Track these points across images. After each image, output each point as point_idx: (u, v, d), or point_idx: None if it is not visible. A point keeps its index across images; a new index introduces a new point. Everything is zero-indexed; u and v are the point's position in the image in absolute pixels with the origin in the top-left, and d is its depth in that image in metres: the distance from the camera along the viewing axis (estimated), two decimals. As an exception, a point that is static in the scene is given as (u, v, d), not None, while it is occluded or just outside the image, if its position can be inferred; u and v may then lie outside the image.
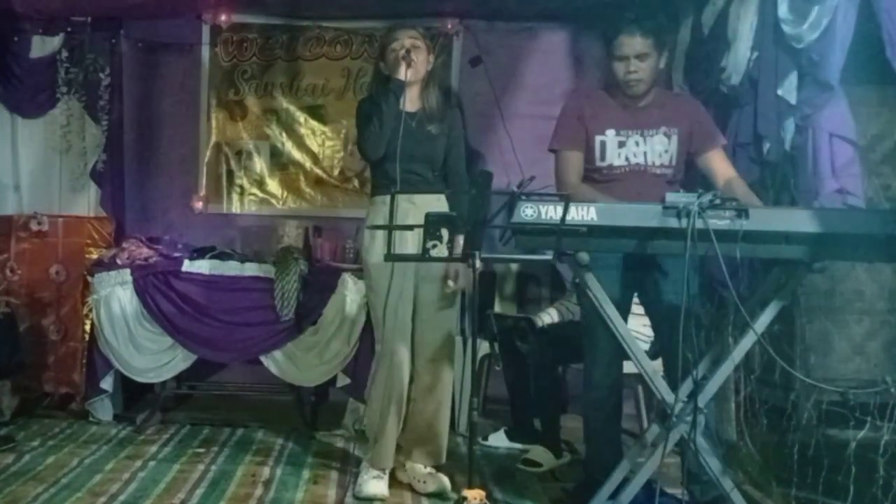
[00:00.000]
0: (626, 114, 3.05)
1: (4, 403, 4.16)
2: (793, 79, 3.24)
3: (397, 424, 3.31)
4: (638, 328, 3.46)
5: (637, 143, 3.02)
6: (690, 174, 3.16)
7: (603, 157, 3.03)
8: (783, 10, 3.21)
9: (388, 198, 3.18)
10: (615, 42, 2.97)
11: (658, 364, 3.21)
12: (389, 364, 3.25)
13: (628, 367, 2.99)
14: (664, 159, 3.03)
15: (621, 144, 3.02)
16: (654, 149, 3.02)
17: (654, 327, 3.21)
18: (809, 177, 3.17)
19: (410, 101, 3.25)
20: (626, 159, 3.02)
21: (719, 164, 3.04)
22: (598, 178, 3.05)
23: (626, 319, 3.07)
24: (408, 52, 3.19)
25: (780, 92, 3.27)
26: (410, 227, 2.92)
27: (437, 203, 3.22)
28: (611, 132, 3.02)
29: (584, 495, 2.92)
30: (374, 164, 3.33)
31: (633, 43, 2.94)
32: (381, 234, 3.19)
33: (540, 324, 3.99)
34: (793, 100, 3.24)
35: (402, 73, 3.19)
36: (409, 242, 3.06)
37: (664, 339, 3.02)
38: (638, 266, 2.99)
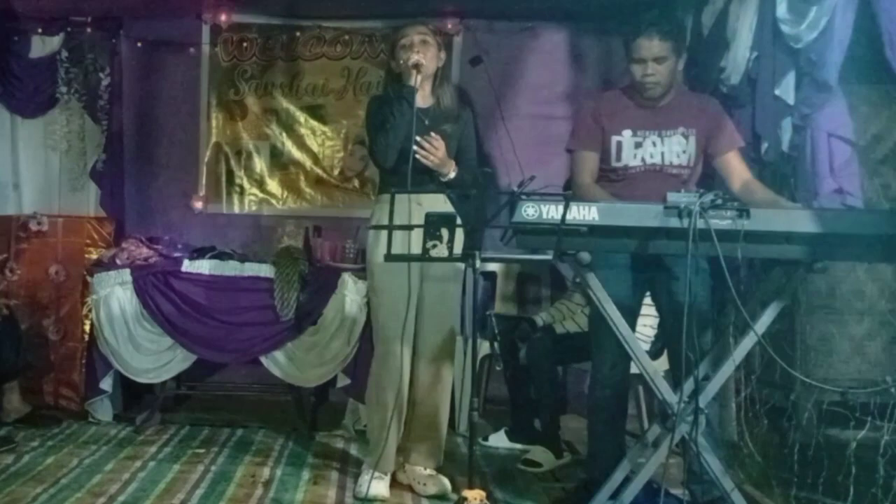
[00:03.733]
0: (644, 114, 3.04)
1: (13, 407, 4.14)
2: (790, 79, 3.25)
3: (398, 427, 3.29)
4: (639, 328, 3.46)
5: (654, 144, 3.01)
6: (704, 174, 3.14)
7: (619, 158, 3.03)
8: (782, 10, 3.21)
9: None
10: (633, 45, 2.96)
11: (659, 364, 3.21)
12: (389, 367, 3.23)
13: (634, 368, 2.98)
14: (682, 159, 3.02)
15: (638, 145, 3.02)
16: (672, 149, 3.01)
17: (664, 327, 3.20)
18: (808, 176, 3.17)
19: (423, 97, 3.23)
20: (642, 160, 3.01)
21: (736, 167, 3.04)
22: (614, 178, 3.04)
23: (635, 320, 3.06)
24: (416, 64, 3.14)
25: (777, 92, 3.27)
26: (410, 227, 2.92)
27: (444, 204, 3.18)
28: (627, 133, 3.02)
29: (585, 495, 2.91)
30: None
31: (651, 46, 2.92)
32: (385, 234, 3.17)
33: (540, 323, 4.00)
34: (790, 100, 3.25)
35: (414, 80, 3.15)
36: (415, 243, 3.05)
37: (672, 338, 3.00)
38: (648, 266, 2.98)
